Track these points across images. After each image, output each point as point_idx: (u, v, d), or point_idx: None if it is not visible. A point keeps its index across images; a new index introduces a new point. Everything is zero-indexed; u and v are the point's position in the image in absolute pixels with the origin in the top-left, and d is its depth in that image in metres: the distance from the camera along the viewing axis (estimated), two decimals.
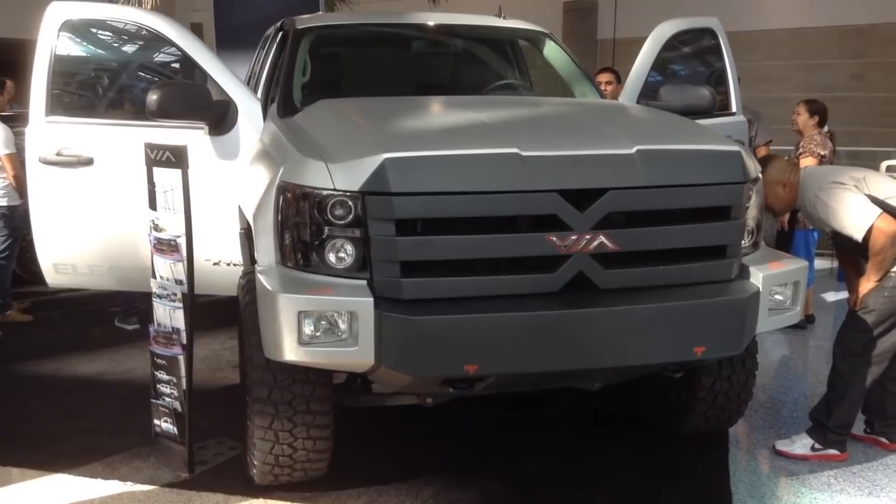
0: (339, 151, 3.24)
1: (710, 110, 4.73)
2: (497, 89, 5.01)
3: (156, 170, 3.87)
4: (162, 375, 3.97)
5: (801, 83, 13.42)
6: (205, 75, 4.41)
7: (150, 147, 3.87)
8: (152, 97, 4.03)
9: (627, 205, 3.19)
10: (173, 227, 3.84)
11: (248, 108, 4.37)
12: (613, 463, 4.07)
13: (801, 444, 4.19)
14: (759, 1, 16.04)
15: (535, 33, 5.26)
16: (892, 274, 3.94)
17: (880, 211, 3.83)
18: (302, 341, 3.06)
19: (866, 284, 3.99)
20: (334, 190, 3.11)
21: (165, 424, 4.00)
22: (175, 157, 3.78)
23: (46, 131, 4.52)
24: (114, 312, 6.57)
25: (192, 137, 4.28)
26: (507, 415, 4.53)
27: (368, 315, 3.02)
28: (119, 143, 4.48)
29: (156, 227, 3.90)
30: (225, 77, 4.40)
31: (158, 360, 3.97)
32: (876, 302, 3.96)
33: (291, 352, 3.09)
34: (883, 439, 4.27)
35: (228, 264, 4.45)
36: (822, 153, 6.20)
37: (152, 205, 3.93)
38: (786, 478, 3.99)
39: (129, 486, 3.84)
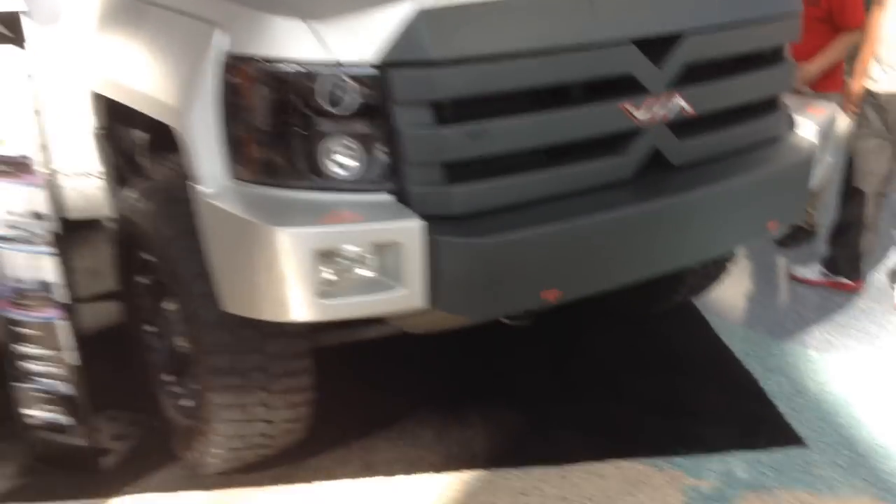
0: (319, 2, 2.17)
1: None
2: None
3: None
4: (28, 349, 2.76)
5: None
6: None
7: None
8: None
9: (704, 51, 2.46)
10: (18, 137, 2.55)
11: None
12: (610, 355, 3.52)
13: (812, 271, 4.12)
14: None
15: None
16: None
17: None
18: (322, 292, 2.09)
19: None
20: (332, 63, 2.08)
21: (44, 413, 2.83)
22: (9, 30, 2.45)
23: None
24: None
25: None
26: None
27: (417, 243, 2.10)
28: None
29: None
30: None
31: (20, 330, 2.75)
32: None
33: (306, 308, 2.11)
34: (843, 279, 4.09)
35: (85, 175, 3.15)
36: None
37: None
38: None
39: None
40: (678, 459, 2.88)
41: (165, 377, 2.91)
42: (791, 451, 2.93)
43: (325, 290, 2.10)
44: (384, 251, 2.10)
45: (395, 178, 2.17)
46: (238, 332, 2.43)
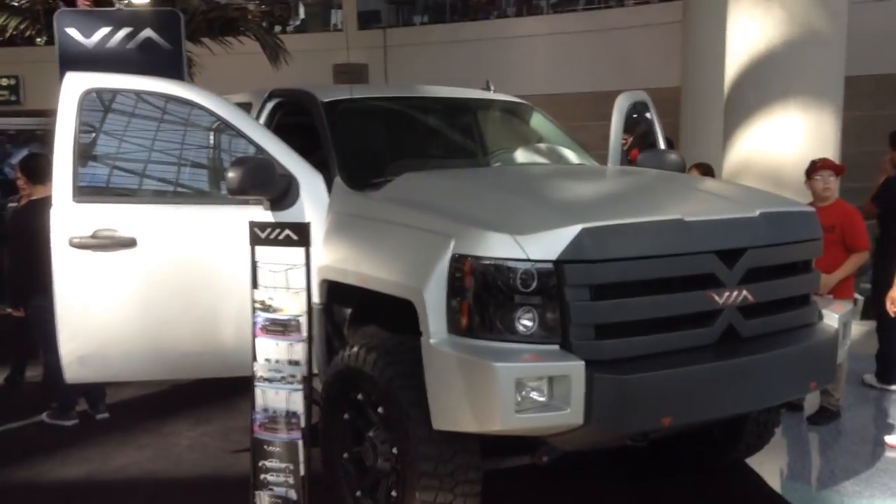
0: (516, 223, 3.39)
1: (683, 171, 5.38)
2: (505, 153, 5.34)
3: (263, 249, 3.75)
4: (271, 464, 3.79)
5: None
6: (257, 148, 4.27)
7: (260, 226, 3.75)
8: (233, 175, 3.91)
9: (759, 261, 3.64)
10: (293, 307, 3.73)
11: (310, 182, 4.28)
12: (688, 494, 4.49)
13: None
14: (519, 69, 17.75)
15: (523, 105, 5.64)
16: None
17: None
18: (517, 409, 3.17)
19: None
20: (526, 260, 3.27)
21: None
22: (298, 235, 3.70)
23: (78, 212, 4.15)
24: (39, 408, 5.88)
25: (250, 213, 4.14)
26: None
27: (580, 377, 3.20)
28: (167, 221, 4.22)
29: (266, 308, 3.76)
30: (280, 149, 4.30)
31: (268, 448, 3.79)
32: None
33: (506, 420, 3.18)
34: None
35: None
36: None
37: (255, 284, 3.79)
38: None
39: None
40: None
41: (359, 493, 3.90)
42: None
43: (517, 408, 3.17)
44: (556, 382, 3.20)
45: (562, 334, 3.29)
46: (439, 446, 3.48)
